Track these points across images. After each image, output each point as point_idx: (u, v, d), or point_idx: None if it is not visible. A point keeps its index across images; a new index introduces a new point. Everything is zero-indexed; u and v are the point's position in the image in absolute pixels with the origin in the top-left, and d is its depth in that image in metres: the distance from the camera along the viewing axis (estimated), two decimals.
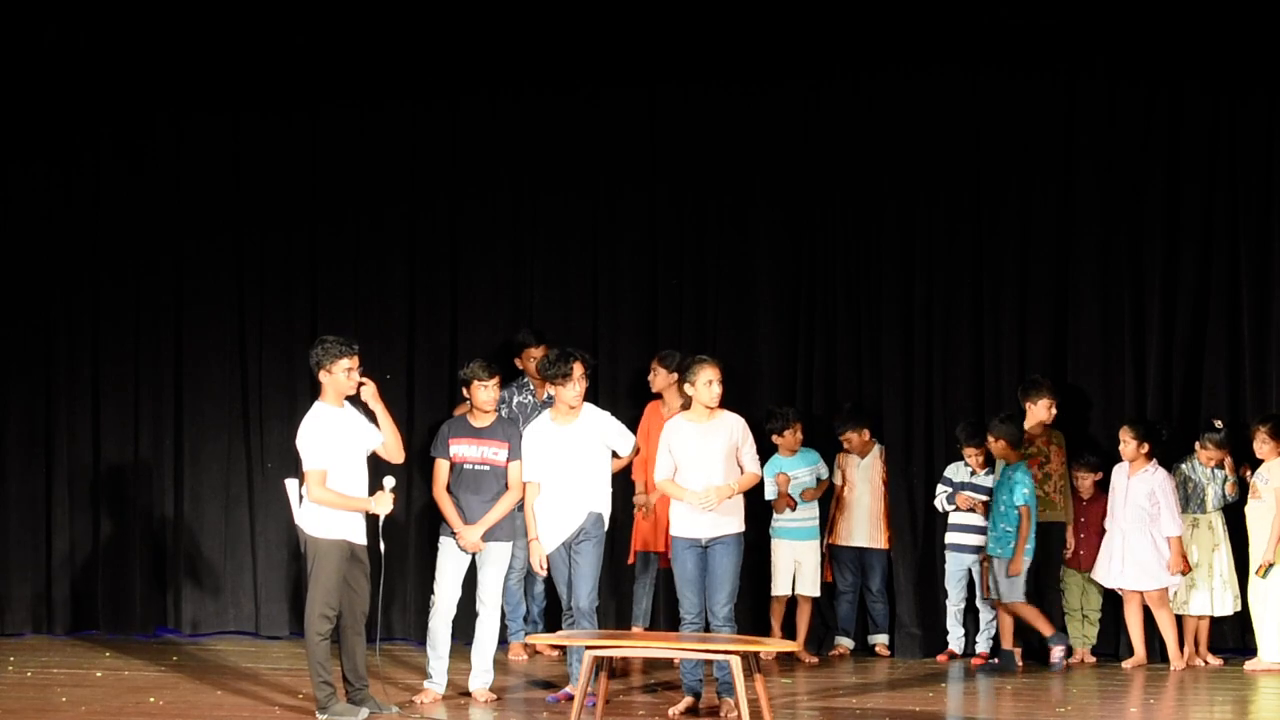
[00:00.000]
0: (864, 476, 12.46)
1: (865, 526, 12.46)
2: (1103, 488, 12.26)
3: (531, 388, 12.34)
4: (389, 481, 10.30)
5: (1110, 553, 11.98)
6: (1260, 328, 12.17)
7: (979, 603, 12.22)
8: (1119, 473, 12.04)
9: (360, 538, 10.17)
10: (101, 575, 13.27)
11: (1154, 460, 11.94)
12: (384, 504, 10.22)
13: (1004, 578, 11.82)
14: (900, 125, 12.57)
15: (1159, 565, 11.88)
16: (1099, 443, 12.35)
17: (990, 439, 11.96)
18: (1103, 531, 12.14)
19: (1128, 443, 11.94)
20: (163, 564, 13.26)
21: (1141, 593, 11.94)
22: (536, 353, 12.09)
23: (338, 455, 10.10)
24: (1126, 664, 11.96)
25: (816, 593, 12.33)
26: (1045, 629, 11.95)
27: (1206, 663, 11.97)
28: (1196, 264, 12.30)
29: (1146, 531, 11.89)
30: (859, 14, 12.41)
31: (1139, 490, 11.91)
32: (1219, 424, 11.97)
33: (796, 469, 12.38)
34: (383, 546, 10.26)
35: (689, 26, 12.59)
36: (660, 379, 12.15)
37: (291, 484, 10.23)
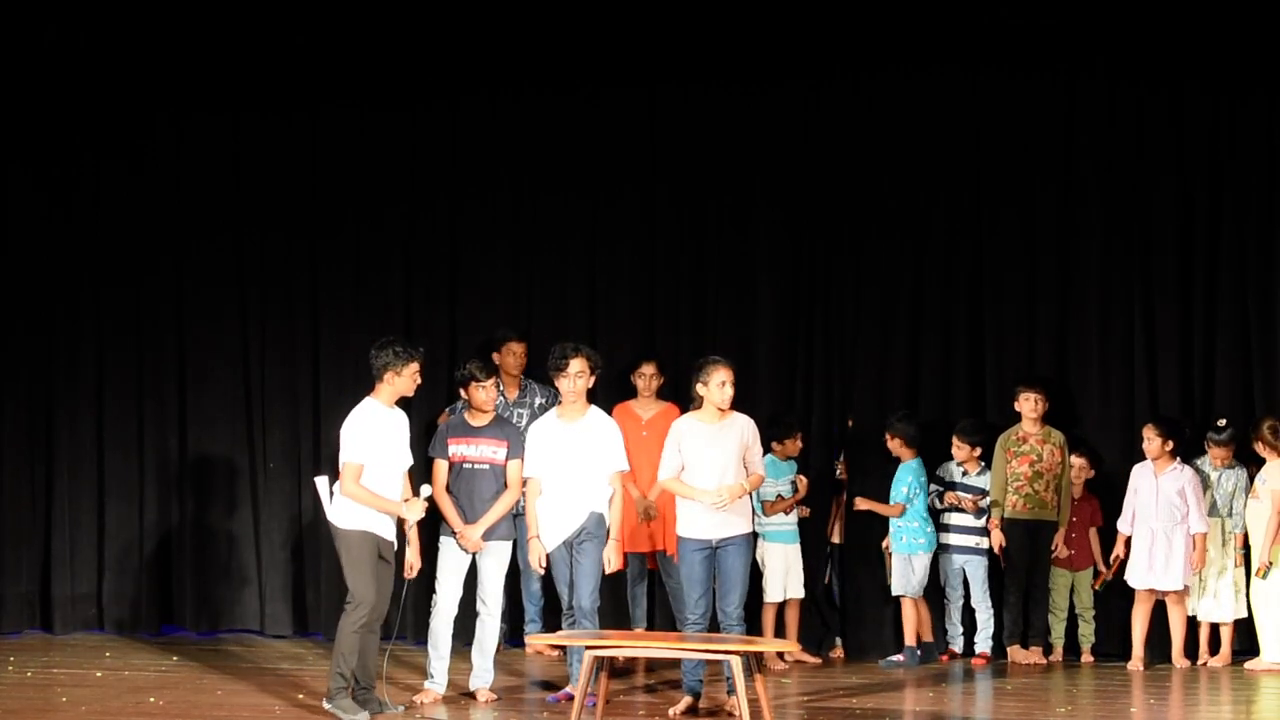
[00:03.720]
0: None
1: None
2: (1089, 487, 12.24)
3: (536, 389, 12.33)
4: (425, 489, 10.38)
5: (1142, 554, 11.86)
6: (1265, 328, 12.15)
7: (975, 602, 12.22)
8: (1143, 473, 11.89)
9: (390, 535, 10.19)
10: (106, 575, 13.26)
11: (1178, 458, 11.87)
12: (416, 510, 10.25)
13: (896, 572, 12.01)
14: (900, 125, 12.57)
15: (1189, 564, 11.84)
16: (1098, 443, 12.35)
17: (888, 436, 12.12)
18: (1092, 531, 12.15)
19: (1152, 440, 11.82)
20: (168, 564, 13.25)
21: (1158, 592, 11.87)
22: (518, 348, 12.17)
23: (378, 454, 10.12)
24: (1130, 667, 11.91)
25: (803, 594, 12.31)
26: (914, 634, 11.99)
27: (1206, 663, 11.96)
28: (1197, 264, 12.30)
29: (1181, 529, 11.79)
30: (859, 14, 12.41)
31: (1170, 488, 11.79)
32: (1221, 423, 11.96)
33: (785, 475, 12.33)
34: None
35: (689, 26, 12.58)
36: (655, 385, 12.18)
37: (321, 481, 10.24)
